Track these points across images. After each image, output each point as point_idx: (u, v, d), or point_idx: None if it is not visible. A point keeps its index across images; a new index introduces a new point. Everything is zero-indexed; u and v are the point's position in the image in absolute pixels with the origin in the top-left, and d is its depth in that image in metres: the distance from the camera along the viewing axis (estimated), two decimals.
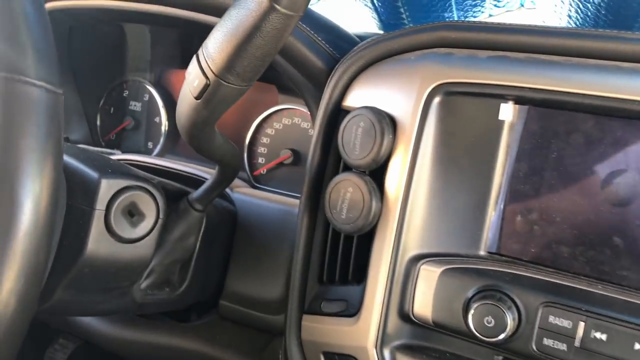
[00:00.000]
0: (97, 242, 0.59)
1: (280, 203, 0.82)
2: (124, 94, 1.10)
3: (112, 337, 0.88)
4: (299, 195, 0.68)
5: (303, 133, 0.92)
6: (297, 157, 0.92)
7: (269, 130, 0.95)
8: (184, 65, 1.00)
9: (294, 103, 0.92)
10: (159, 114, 1.07)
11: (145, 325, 0.86)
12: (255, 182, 0.96)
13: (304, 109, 0.91)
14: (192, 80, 0.53)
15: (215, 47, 0.51)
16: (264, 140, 0.96)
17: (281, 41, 0.50)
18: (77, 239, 0.59)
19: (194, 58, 0.54)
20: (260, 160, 0.96)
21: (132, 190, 0.61)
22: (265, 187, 0.94)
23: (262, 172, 0.96)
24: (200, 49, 0.53)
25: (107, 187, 0.60)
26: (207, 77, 0.51)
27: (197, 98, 0.53)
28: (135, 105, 1.08)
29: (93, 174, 0.61)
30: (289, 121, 0.93)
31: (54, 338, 1.20)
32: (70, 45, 1.03)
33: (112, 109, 1.11)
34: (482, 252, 0.60)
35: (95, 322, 0.89)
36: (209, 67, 0.51)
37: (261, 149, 0.96)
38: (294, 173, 0.92)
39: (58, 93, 0.44)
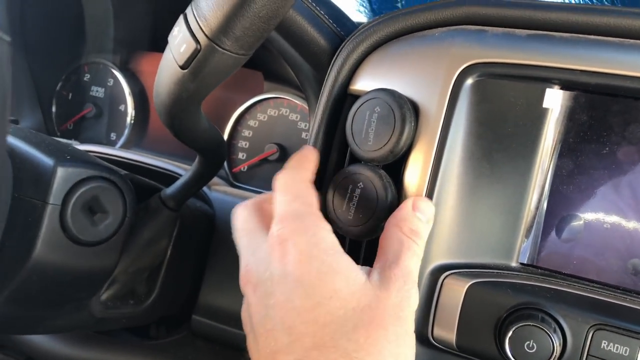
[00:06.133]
0: (49, 244, 0.52)
1: None
2: (85, 78, 1.01)
3: (62, 356, 0.78)
4: None
5: (291, 126, 0.85)
6: (284, 152, 0.85)
7: (251, 122, 0.88)
8: (155, 47, 0.91)
9: (282, 92, 0.85)
10: (124, 102, 0.98)
11: (103, 344, 0.77)
12: (235, 180, 0.89)
13: (293, 99, 0.85)
14: (177, 44, 0.46)
15: (209, 3, 0.43)
16: (246, 133, 0.88)
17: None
18: (24, 239, 0.51)
19: (181, 18, 0.46)
20: (241, 155, 0.89)
21: (95, 182, 0.54)
22: (246, 186, 0.87)
23: (242, 169, 0.89)
24: (190, 6, 0.46)
25: (64, 177, 0.52)
26: (197, 41, 0.44)
27: (183, 67, 0.46)
28: (97, 91, 1.00)
29: (47, 160, 0.52)
30: (276, 112, 0.86)
31: None
32: (22, 18, 0.94)
33: (70, 94, 1.02)
34: (514, 264, 0.53)
35: (42, 337, 0.79)
36: (201, 28, 0.44)
37: (242, 143, 0.89)
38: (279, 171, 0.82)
39: (3, 40, 0.33)
